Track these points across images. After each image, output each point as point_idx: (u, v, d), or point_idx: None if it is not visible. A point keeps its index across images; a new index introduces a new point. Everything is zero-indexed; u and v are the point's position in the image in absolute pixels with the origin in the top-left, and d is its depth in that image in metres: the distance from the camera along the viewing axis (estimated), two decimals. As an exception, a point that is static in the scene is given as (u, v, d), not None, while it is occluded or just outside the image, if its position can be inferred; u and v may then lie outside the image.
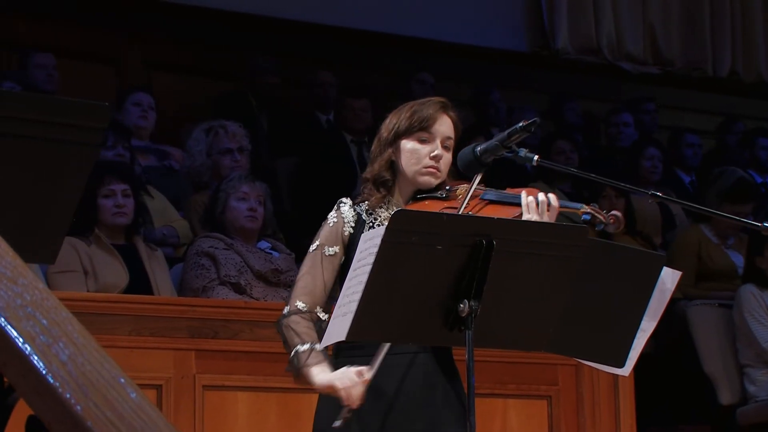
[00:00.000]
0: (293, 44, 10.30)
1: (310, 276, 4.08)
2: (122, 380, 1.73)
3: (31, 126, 2.92)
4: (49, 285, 6.28)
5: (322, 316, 4.04)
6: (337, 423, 3.84)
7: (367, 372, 3.84)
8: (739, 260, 8.40)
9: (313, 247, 4.12)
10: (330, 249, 4.08)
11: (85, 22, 9.70)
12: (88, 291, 6.20)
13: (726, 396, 7.74)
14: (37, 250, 3.06)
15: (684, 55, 12.27)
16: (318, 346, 3.94)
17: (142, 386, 5.23)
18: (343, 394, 3.83)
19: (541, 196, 4.00)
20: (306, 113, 9.88)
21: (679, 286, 8.50)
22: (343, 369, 3.87)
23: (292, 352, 3.97)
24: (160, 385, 5.41)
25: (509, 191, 4.13)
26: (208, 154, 7.64)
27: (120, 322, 5.39)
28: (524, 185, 9.36)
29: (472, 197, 4.02)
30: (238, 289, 6.47)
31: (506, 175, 9.21)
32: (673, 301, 8.34)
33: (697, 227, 8.69)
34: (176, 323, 5.48)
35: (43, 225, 3.00)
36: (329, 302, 4.06)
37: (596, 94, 11.83)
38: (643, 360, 7.86)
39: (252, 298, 6.43)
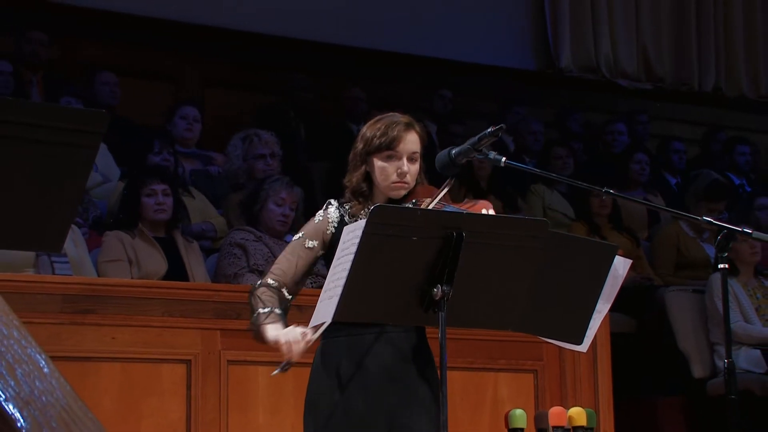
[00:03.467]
0: (328, 63, 10.26)
1: (287, 260, 4.07)
2: (38, 356, 1.65)
3: (38, 131, 2.88)
4: (99, 273, 6.28)
5: (287, 295, 4.04)
6: (275, 372, 3.87)
7: (310, 334, 3.82)
8: (712, 252, 8.31)
9: (297, 236, 4.11)
10: (310, 242, 4.05)
11: (148, 45, 9.71)
12: (132, 278, 6.19)
13: (698, 370, 7.69)
14: (44, 240, 3.01)
15: (673, 72, 12.19)
16: (277, 310, 3.96)
17: (173, 361, 5.26)
18: (284, 348, 3.82)
19: (491, 211, 3.96)
20: (338, 124, 9.82)
21: (660, 274, 8.55)
22: (291, 327, 3.87)
23: (254, 314, 3.99)
24: (189, 360, 5.37)
25: (465, 206, 4.04)
26: (244, 159, 7.62)
27: (155, 305, 5.34)
28: (527, 187, 9.38)
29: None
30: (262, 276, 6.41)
31: (510, 178, 9.17)
32: (654, 288, 8.30)
33: (676, 223, 8.63)
34: (204, 306, 5.43)
35: (49, 218, 2.95)
36: (297, 287, 4.08)
37: (596, 107, 11.73)
38: (626, 339, 7.89)
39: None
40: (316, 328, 3.84)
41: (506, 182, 9.11)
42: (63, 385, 1.63)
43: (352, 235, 3.55)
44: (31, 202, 2.92)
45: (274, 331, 3.91)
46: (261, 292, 4.02)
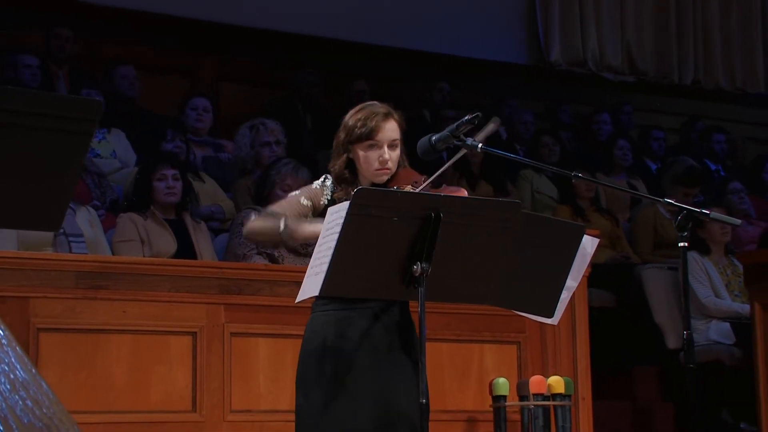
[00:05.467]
0: (334, 59, 10.23)
1: (281, 206, 4.03)
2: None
3: (36, 119, 2.86)
4: (113, 251, 6.26)
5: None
6: None
7: None
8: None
9: (293, 193, 4.08)
10: (306, 200, 4.04)
11: (165, 41, 9.68)
12: (144, 256, 6.16)
13: (672, 342, 7.66)
14: (44, 219, 2.99)
15: (655, 66, 12.11)
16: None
17: (180, 333, 5.25)
18: None
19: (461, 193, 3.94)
20: (343, 115, 9.73)
21: (639, 252, 8.51)
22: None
23: (282, 222, 3.87)
24: (195, 332, 5.35)
25: (443, 191, 4.00)
26: (252, 146, 7.58)
27: (163, 281, 5.32)
28: (517, 172, 9.34)
29: None
30: (272, 258, 6.38)
31: (501, 164, 9.13)
32: (632, 265, 8.26)
33: (653, 205, 8.57)
34: (209, 282, 5.41)
35: (48, 199, 2.93)
36: None
37: (583, 99, 11.66)
38: (606, 313, 7.86)
39: (282, 264, 6.33)
40: None
41: (497, 168, 9.07)
42: (20, 355, 1.60)
43: (337, 215, 3.53)
44: (30, 185, 2.90)
45: (315, 224, 3.82)
46: (266, 214, 3.95)
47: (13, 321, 5.01)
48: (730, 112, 12.32)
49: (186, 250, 6.36)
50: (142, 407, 5.21)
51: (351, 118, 4.06)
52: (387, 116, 4.04)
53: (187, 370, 5.31)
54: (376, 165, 3.99)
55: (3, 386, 1.45)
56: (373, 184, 4.02)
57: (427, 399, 3.62)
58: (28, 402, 1.44)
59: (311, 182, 7.07)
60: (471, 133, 3.99)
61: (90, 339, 5.16)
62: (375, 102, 4.12)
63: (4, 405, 1.43)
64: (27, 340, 5.02)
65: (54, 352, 5.09)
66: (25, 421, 1.44)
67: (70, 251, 5.96)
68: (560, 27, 11.61)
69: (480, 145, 3.95)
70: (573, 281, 3.90)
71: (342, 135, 4.05)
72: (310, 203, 4.02)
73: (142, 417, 5.21)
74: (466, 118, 3.90)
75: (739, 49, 12.43)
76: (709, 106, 12.24)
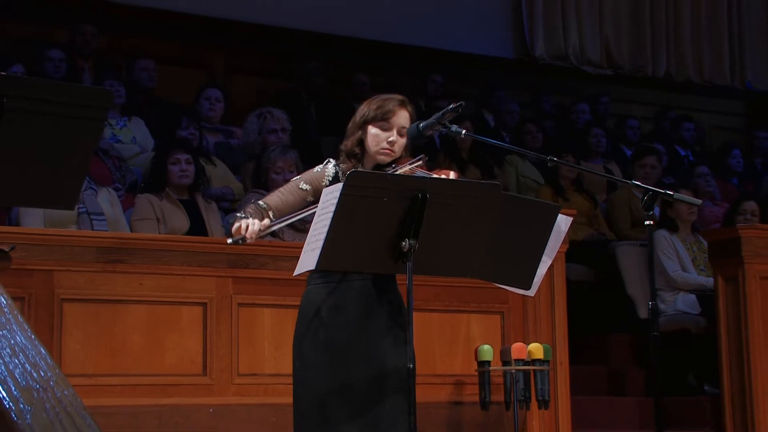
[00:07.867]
0: (337, 53, 10.19)
1: (279, 194, 4.01)
2: (1, 298, 1.60)
3: (53, 106, 2.83)
4: (132, 229, 6.24)
5: (271, 216, 3.94)
6: (229, 241, 3.81)
7: (267, 223, 3.83)
8: (657, 212, 8.24)
9: (295, 178, 4.08)
10: (305, 185, 4.01)
11: (182, 36, 9.64)
12: (159, 233, 6.14)
13: (643, 312, 7.66)
14: (60, 198, 2.97)
15: (631, 60, 12.05)
16: (252, 218, 3.84)
17: (191, 303, 5.22)
18: (242, 224, 3.77)
19: (449, 174, 3.89)
20: (345, 105, 9.72)
21: (616, 230, 8.49)
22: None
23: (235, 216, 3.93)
24: (206, 303, 5.33)
25: (435, 172, 3.98)
26: (259, 133, 7.55)
27: (176, 256, 5.31)
28: (503, 157, 9.30)
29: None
30: (273, 233, 6.34)
31: (488, 150, 9.09)
32: (607, 242, 8.23)
33: (628, 187, 8.55)
34: (218, 257, 5.39)
35: (63, 181, 2.91)
36: (280, 217, 3.96)
37: (564, 90, 11.63)
38: (584, 286, 7.84)
39: (284, 240, 6.31)
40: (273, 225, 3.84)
41: (484, 153, 9.04)
42: (20, 322, 1.58)
43: (331, 196, 3.51)
44: (48, 168, 2.88)
45: (265, 219, 3.87)
46: (248, 206, 3.95)
47: (39, 292, 5.01)
48: (699, 103, 12.30)
49: (198, 227, 6.34)
50: (156, 371, 5.21)
51: (368, 102, 4.07)
52: (402, 104, 4.04)
53: (198, 338, 5.30)
54: (384, 144, 3.97)
55: (3, 351, 1.44)
56: (376, 164, 4.00)
57: (414, 364, 3.61)
58: (27, 366, 1.43)
59: (300, 162, 7.11)
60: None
61: (109, 309, 5.15)
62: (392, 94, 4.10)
63: (4, 368, 1.42)
64: (52, 309, 5.03)
65: (77, 320, 5.08)
66: (23, 383, 1.42)
67: (92, 228, 5.95)
68: (544, 24, 11.55)
69: (463, 132, 3.94)
70: (549, 256, 3.88)
71: (358, 116, 4.03)
72: (309, 187, 4.00)
73: (157, 380, 5.21)
74: (451, 107, 3.89)
75: (707, 44, 12.37)
76: (680, 97, 12.21)
